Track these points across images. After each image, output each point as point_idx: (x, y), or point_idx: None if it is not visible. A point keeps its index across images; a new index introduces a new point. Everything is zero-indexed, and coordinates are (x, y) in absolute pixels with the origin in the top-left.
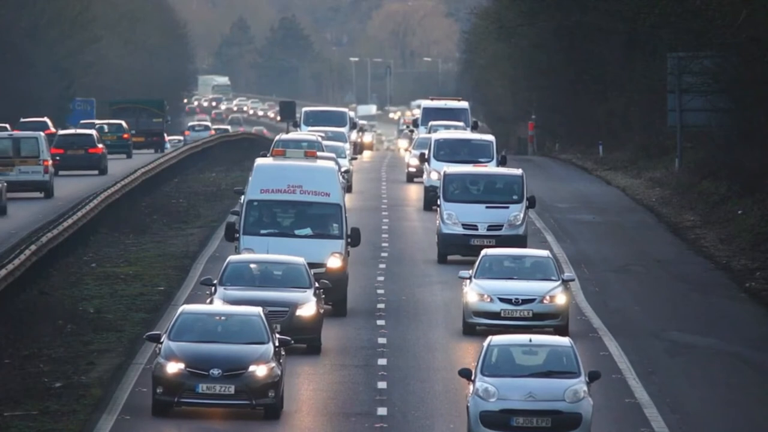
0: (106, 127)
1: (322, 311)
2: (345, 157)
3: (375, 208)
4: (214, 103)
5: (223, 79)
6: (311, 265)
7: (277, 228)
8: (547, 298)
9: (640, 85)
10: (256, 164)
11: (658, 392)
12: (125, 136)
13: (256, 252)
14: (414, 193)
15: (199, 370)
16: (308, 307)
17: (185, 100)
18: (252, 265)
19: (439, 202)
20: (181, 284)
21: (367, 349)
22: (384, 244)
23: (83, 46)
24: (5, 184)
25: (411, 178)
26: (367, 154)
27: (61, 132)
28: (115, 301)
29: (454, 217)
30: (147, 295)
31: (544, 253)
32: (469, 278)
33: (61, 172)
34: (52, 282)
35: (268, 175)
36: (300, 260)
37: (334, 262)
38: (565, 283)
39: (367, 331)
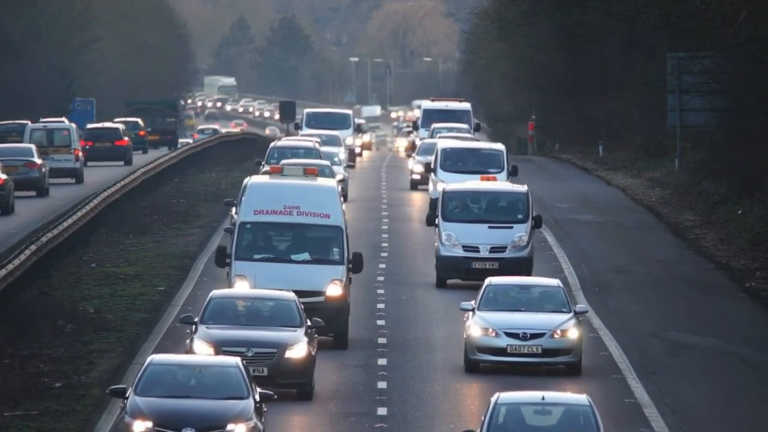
0: (123, 125)
1: (313, 352)
2: (339, 164)
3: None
4: (219, 104)
5: (229, 80)
6: (309, 294)
7: (272, 252)
8: (558, 332)
9: (640, 85)
10: (249, 183)
11: (658, 392)
12: (141, 133)
13: (249, 279)
14: (418, 202)
15: (170, 429)
16: (298, 349)
17: (189, 101)
18: (237, 301)
19: (437, 222)
20: (181, 284)
21: (367, 349)
22: (383, 253)
23: (83, 46)
24: (48, 168)
25: (415, 185)
26: (366, 154)
27: (90, 126)
28: (115, 301)
29: (454, 238)
30: (147, 295)
31: (554, 282)
32: (472, 310)
33: (89, 163)
34: (52, 282)
35: (262, 196)
36: (290, 296)
37: (334, 290)
38: (577, 315)
39: (367, 331)
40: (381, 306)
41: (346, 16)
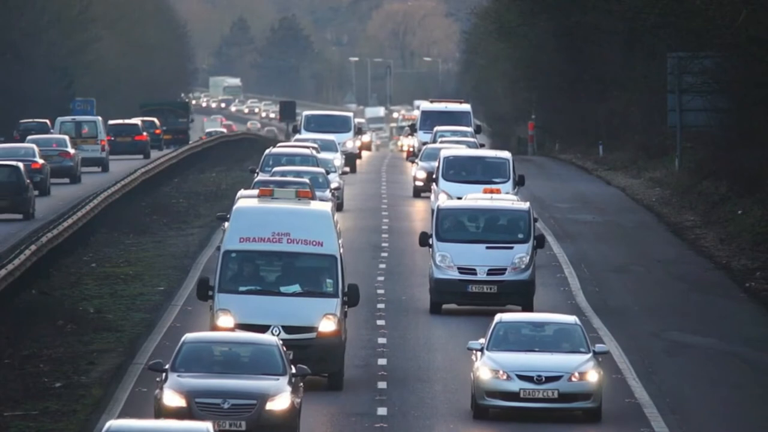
0: (141, 125)
1: (298, 402)
2: (335, 171)
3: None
4: (223, 105)
5: (235, 81)
6: (300, 329)
7: (259, 284)
8: (576, 375)
9: (640, 85)
10: (235, 208)
11: (658, 392)
12: (156, 131)
13: (234, 314)
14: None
15: None
16: (281, 400)
17: (194, 102)
18: (212, 346)
19: (431, 241)
20: (181, 284)
21: (367, 349)
22: (383, 253)
23: (83, 46)
24: (80, 157)
25: (418, 192)
26: (365, 155)
27: (111, 122)
28: (115, 301)
29: (449, 259)
30: (147, 295)
31: (571, 319)
32: (481, 350)
33: (110, 156)
34: (52, 282)
35: (249, 221)
36: (272, 340)
37: (328, 326)
38: (597, 356)
39: (367, 332)
40: (381, 306)
41: (346, 16)
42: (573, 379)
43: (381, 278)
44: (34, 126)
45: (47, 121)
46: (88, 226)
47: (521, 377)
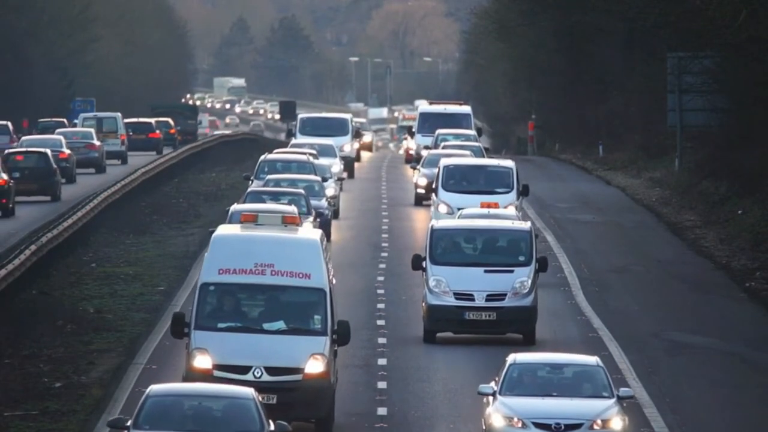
0: (154, 124)
1: None
2: (331, 178)
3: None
4: (228, 106)
5: (239, 81)
6: (284, 371)
7: (240, 320)
8: (599, 422)
9: (640, 85)
10: (214, 236)
11: (658, 392)
12: (171, 131)
13: (212, 353)
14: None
15: None
16: None
17: (199, 102)
18: (181, 400)
19: (424, 265)
20: (181, 284)
21: (367, 349)
22: (383, 253)
23: (83, 46)
24: (105, 149)
25: (420, 200)
26: (365, 156)
27: (126, 120)
28: (115, 301)
29: (444, 284)
30: (147, 295)
31: (592, 360)
32: (493, 394)
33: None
34: (52, 282)
35: (229, 252)
36: (249, 392)
37: (315, 367)
38: (621, 401)
39: (368, 331)
40: (381, 306)
41: (346, 16)
42: (595, 426)
43: (381, 278)
44: (52, 125)
45: (65, 120)
46: (88, 226)
47: (538, 425)
